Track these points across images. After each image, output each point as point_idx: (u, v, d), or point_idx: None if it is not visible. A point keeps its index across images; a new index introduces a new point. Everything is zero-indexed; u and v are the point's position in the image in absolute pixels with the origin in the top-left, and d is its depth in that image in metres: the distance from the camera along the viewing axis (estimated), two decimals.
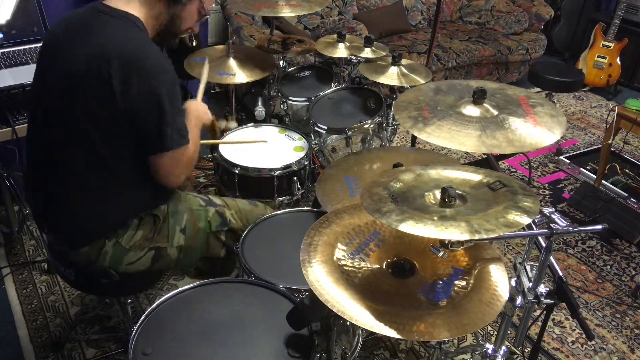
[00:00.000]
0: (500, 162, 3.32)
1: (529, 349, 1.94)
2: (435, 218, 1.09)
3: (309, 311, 1.22)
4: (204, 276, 2.28)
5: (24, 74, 2.20)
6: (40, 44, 1.55)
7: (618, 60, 4.20)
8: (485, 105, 1.43)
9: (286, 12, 2.38)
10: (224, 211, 1.73)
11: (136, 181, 1.51)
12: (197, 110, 1.68)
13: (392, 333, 1.10)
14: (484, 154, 2.15)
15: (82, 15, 1.45)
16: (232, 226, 1.73)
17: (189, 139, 1.48)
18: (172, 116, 1.40)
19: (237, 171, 2.08)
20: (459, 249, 1.26)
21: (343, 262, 1.29)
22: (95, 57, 1.34)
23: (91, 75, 1.35)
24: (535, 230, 1.26)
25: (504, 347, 1.49)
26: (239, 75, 2.31)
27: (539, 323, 1.48)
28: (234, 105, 2.62)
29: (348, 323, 1.52)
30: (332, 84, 2.54)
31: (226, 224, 1.72)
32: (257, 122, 2.53)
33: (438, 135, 1.33)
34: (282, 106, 2.52)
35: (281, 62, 2.66)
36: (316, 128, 2.25)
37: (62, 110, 1.42)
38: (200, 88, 1.89)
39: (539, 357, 1.77)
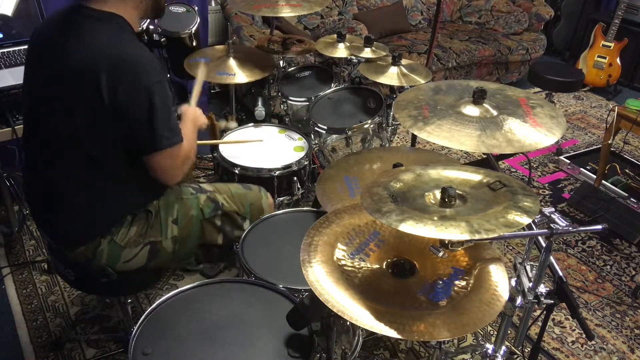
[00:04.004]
0: (500, 162, 3.32)
1: (529, 349, 1.94)
2: (435, 218, 1.09)
3: (309, 311, 1.22)
4: (203, 265, 2.27)
5: None
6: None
7: (618, 60, 4.20)
8: (485, 105, 1.43)
9: (286, 12, 2.38)
10: (215, 196, 1.74)
11: (131, 179, 1.51)
12: (192, 113, 1.72)
13: (392, 333, 1.10)
14: (484, 154, 2.15)
15: (66, 17, 1.44)
16: (225, 210, 1.73)
17: (182, 137, 1.49)
18: (163, 115, 1.40)
19: (237, 171, 2.09)
20: (459, 249, 1.26)
21: (343, 262, 1.29)
22: (84, 61, 1.35)
23: (81, 79, 1.35)
24: (535, 230, 1.26)
25: (504, 347, 1.48)
26: (239, 75, 2.31)
27: (539, 323, 1.48)
28: (234, 105, 2.63)
29: (348, 323, 1.51)
30: (332, 84, 2.54)
31: (219, 208, 1.72)
32: (257, 122, 2.53)
33: (438, 135, 1.33)
34: (282, 106, 2.52)
35: (281, 62, 2.67)
36: (316, 128, 2.25)
37: (54, 113, 1.43)
38: (194, 94, 1.87)
39: (539, 357, 1.77)
